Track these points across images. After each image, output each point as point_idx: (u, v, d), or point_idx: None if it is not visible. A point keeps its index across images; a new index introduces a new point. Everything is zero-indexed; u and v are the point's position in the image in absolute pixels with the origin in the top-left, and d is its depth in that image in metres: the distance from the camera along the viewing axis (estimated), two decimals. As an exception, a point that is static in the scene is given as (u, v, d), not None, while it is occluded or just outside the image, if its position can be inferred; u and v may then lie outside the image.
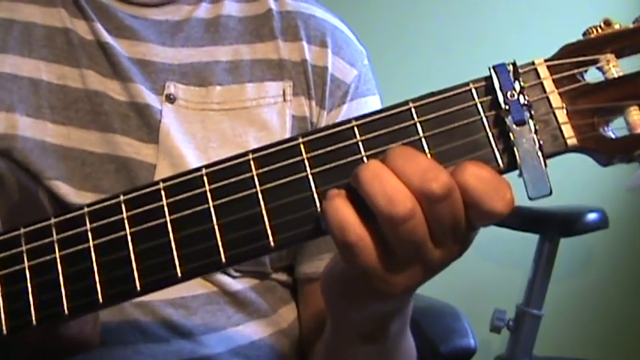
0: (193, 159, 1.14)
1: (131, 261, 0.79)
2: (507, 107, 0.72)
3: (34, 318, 0.82)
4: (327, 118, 1.23)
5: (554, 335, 3.23)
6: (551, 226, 3.04)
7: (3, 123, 1.13)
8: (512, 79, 0.73)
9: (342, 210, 0.71)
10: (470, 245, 0.76)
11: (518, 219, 3.00)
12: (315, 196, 0.76)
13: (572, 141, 0.72)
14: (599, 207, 3.03)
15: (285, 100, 1.22)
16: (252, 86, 1.22)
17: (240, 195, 0.77)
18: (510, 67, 0.74)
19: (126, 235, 0.80)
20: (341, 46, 1.28)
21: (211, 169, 0.79)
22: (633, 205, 3.43)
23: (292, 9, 1.29)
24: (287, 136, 1.19)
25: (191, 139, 1.16)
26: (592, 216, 3.00)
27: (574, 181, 2.94)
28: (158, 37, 1.23)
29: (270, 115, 1.20)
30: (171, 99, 1.17)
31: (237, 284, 1.18)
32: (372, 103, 1.29)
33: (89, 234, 0.81)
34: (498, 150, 0.73)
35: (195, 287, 1.15)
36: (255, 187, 0.77)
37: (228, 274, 1.17)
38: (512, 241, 3.14)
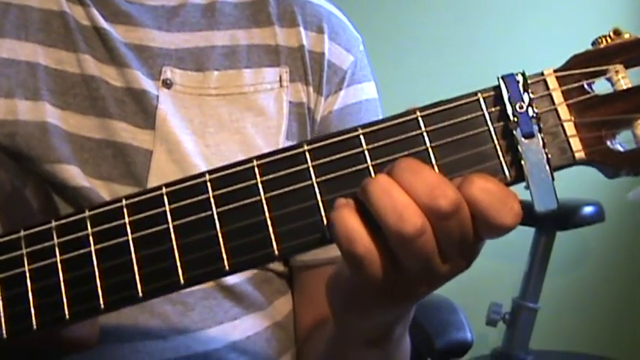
0: (190, 145, 1.14)
1: (133, 267, 0.78)
2: (516, 119, 0.72)
3: (34, 322, 0.81)
4: (325, 104, 1.24)
5: (550, 328, 3.23)
6: (547, 220, 3.04)
7: (2, 109, 1.12)
8: (522, 89, 0.72)
9: (349, 221, 0.71)
10: (477, 257, 0.76)
11: (515, 213, 3.00)
12: (320, 204, 0.75)
13: (579, 154, 0.72)
14: (595, 200, 3.04)
15: (281, 86, 1.22)
16: (249, 72, 1.22)
17: (245, 202, 0.77)
18: (519, 78, 0.73)
19: (128, 240, 0.79)
20: (337, 31, 1.28)
21: (215, 175, 0.78)
22: (629, 198, 3.43)
23: None
24: (284, 121, 1.20)
25: (188, 124, 1.16)
26: (588, 209, 3.01)
27: (570, 174, 2.93)
28: (154, 22, 1.22)
29: (267, 101, 1.20)
30: (167, 84, 1.17)
31: (233, 277, 1.17)
32: (368, 90, 1.29)
33: (90, 238, 0.80)
34: (506, 162, 0.73)
35: None
36: (260, 194, 0.76)
37: None
38: (509, 234, 3.13)
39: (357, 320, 0.86)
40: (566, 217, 3.03)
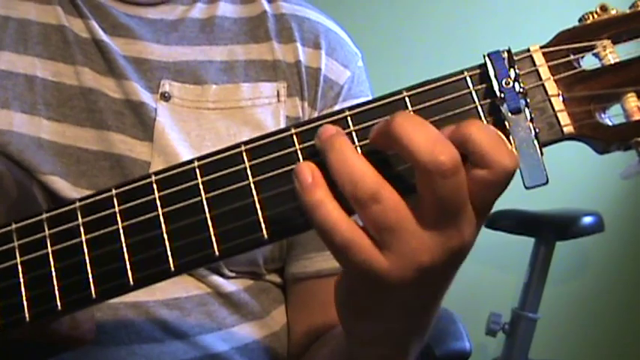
0: (188, 157, 1.12)
1: (124, 255, 0.79)
2: (502, 95, 0.72)
3: (27, 314, 0.81)
4: None
5: (550, 339, 3.23)
6: (547, 230, 3.05)
7: None
8: (508, 66, 0.73)
9: (324, 209, 0.70)
10: (478, 227, 0.73)
11: (514, 222, 3.01)
12: None
13: (568, 129, 0.72)
14: (594, 210, 3.05)
15: (279, 100, 1.21)
16: (247, 86, 1.22)
17: (233, 187, 0.77)
18: (505, 55, 0.73)
19: (118, 228, 0.79)
20: (334, 47, 1.28)
21: (203, 161, 0.79)
22: (629, 208, 3.44)
23: (286, 11, 1.29)
24: None
25: (186, 137, 1.16)
26: (588, 219, 3.02)
27: (570, 184, 2.95)
28: (153, 36, 1.22)
29: (264, 116, 1.20)
30: (166, 97, 1.17)
31: (230, 285, 1.17)
32: None
33: (81, 228, 0.81)
34: None
35: (190, 288, 1.14)
36: (248, 178, 0.77)
37: (222, 275, 1.17)
38: (508, 244, 3.14)
39: (361, 324, 0.84)
40: (565, 227, 3.04)
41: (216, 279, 1.16)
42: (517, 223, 3.03)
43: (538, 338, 3.07)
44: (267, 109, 1.21)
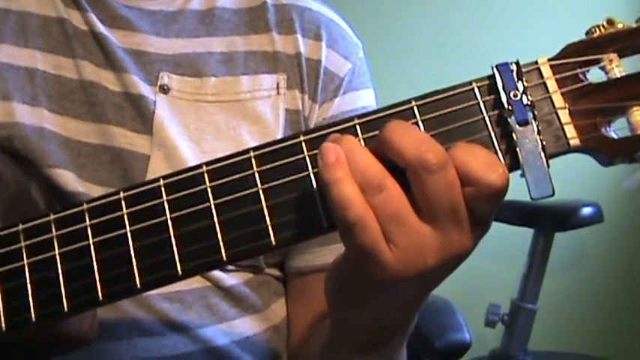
0: (187, 150, 1.14)
1: (131, 259, 0.79)
2: (510, 107, 0.72)
3: (33, 315, 0.82)
4: (319, 111, 1.23)
5: (549, 330, 3.23)
6: (546, 221, 3.05)
7: (0, 111, 1.13)
8: (516, 78, 0.73)
9: (342, 185, 0.71)
10: (480, 236, 0.75)
11: (513, 213, 3.00)
12: (318, 194, 0.75)
13: (574, 141, 0.72)
14: (593, 201, 3.04)
15: (279, 93, 1.21)
16: (247, 79, 1.21)
17: (242, 193, 0.77)
18: (514, 67, 0.74)
19: (126, 232, 0.79)
20: (335, 39, 1.27)
21: (212, 166, 0.79)
22: (628, 199, 3.43)
23: (287, 2, 1.28)
24: (280, 129, 1.20)
25: (185, 130, 1.16)
26: (587, 210, 3.01)
27: (569, 175, 2.93)
28: (152, 28, 1.22)
29: (263, 109, 1.20)
30: (165, 89, 1.17)
31: (230, 279, 1.17)
32: (365, 97, 1.28)
33: (89, 231, 0.81)
34: (501, 150, 0.73)
35: (191, 281, 1.14)
36: (257, 185, 0.77)
37: (223, 269, 1.17)
38: (507, 235, 3.12)
39: (352, 311, 0.85)
40: (564, 217, 3.03)
41: (217, 273, 1.16)
42: (516, 213, 3.01)
43: (537, 329, 3.07)
44: (267, 102, 1.20)
